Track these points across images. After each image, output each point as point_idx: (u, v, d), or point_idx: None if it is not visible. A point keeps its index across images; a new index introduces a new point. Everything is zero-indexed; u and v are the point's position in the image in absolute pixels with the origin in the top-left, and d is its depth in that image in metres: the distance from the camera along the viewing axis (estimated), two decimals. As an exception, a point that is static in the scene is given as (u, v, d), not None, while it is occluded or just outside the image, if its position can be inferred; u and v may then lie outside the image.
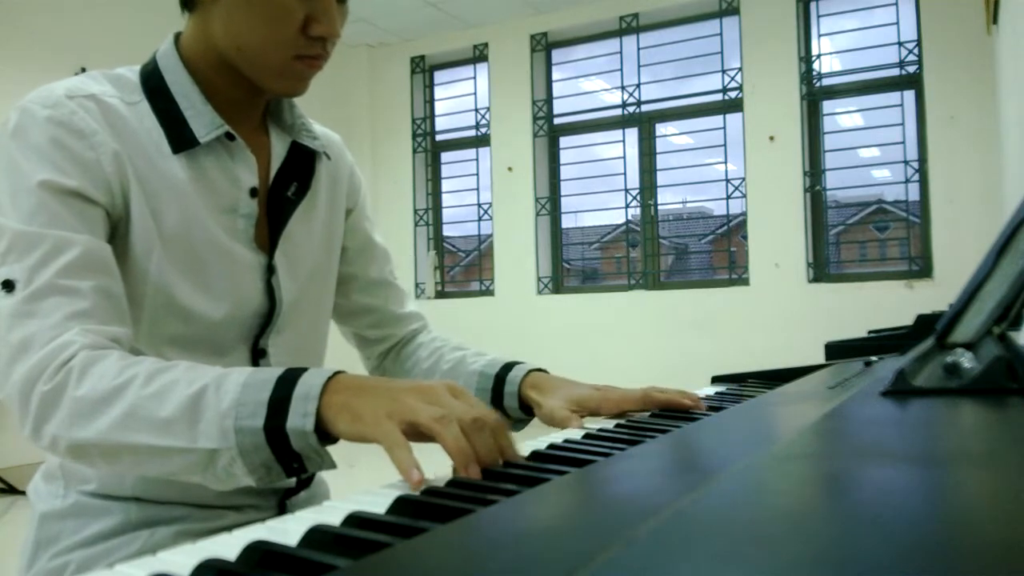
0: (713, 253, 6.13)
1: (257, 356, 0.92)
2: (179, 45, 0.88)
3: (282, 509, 0.94)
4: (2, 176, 0.77)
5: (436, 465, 0.62)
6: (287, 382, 0.65)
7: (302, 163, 0.96)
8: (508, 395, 0.97)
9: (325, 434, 0.65)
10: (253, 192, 0.89)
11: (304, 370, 0.67)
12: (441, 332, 1.14)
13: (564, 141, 5.81)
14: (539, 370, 0.99)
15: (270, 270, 0.91)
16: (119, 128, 0.81)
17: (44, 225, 0.74)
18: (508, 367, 0.99)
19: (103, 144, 0.79)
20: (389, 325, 1.11)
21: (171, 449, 0.66)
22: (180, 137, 0.84)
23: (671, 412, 0.88)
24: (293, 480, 0.93)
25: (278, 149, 0.94)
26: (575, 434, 0.75)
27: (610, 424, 0.83)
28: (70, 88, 0.81)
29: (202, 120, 0.85)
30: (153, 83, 0.86)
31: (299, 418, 0.63)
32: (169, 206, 0.83)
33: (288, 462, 0.65)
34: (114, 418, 0.67)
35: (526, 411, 0.97)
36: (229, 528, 0.90)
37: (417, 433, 0.62)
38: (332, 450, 0.66)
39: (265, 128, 0.94)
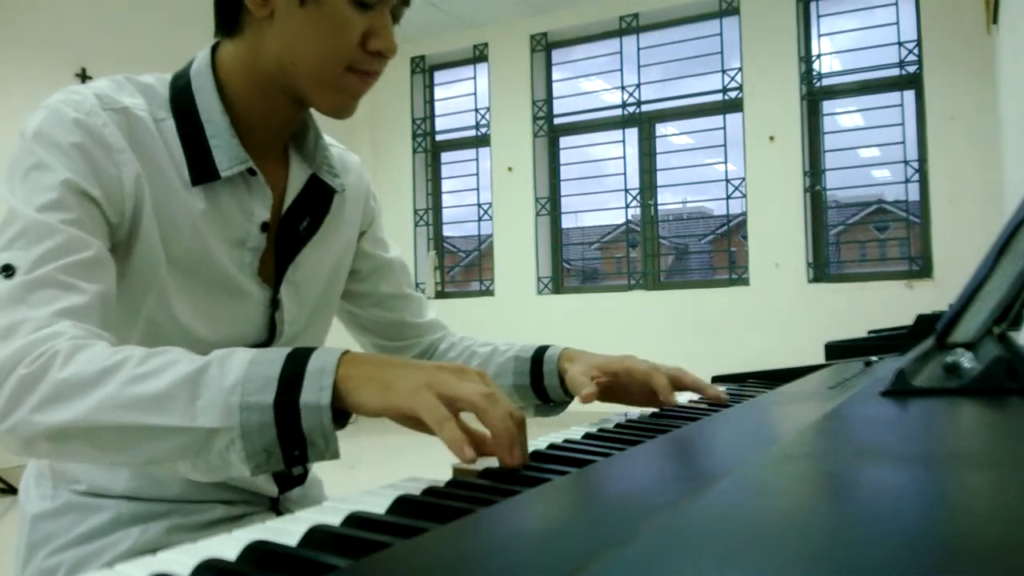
0: (713, 253, 6.13)
1: None
2: (216, 63, 0.85)
3: (274, 504, 0.94)
4: (26, 173, 0.74)
5: (436, 464, 0.62)
6: (298, 359, 0.62)
7: (318, 198, 0.93)
8: (548, 374, 0.98)
9: (339, 413, 0.61)
10: (264, 227, 0.87)
11: (314, 348, 0.63)
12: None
13: (564, 141, 5.81)
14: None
15: (275, 304, 0.90)
16: (145, 148, 0.80)
17: (62, 220, 0.72)
18: (543, 348, 1.01)
19: (127, 163, 0.77)
20: (409, 335, 1.10)
21: (163, 428, 0.60)
22: (202, 168, 0.82)
23: (672, 411, 0.88)
24: (284, 472, 0.91)
25: (296, 180, 0.91)
26: (575, 434, 0.75)
27: (610, 424, 0.83)
28: (102, 97, 0.79)
29: (227, 153, 0.83)
30: (182, 103, 0.83)
31: (314, 392, 0.59)
32: (180, 235, 0.81)
33: (290, 448, 0.61)
34: (99, 398, 0.61)
35: (566, 391, 0.98)
36: (221, 521, 0.90)
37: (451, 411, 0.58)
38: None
39: (286, 156, 0.92)
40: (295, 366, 0.61)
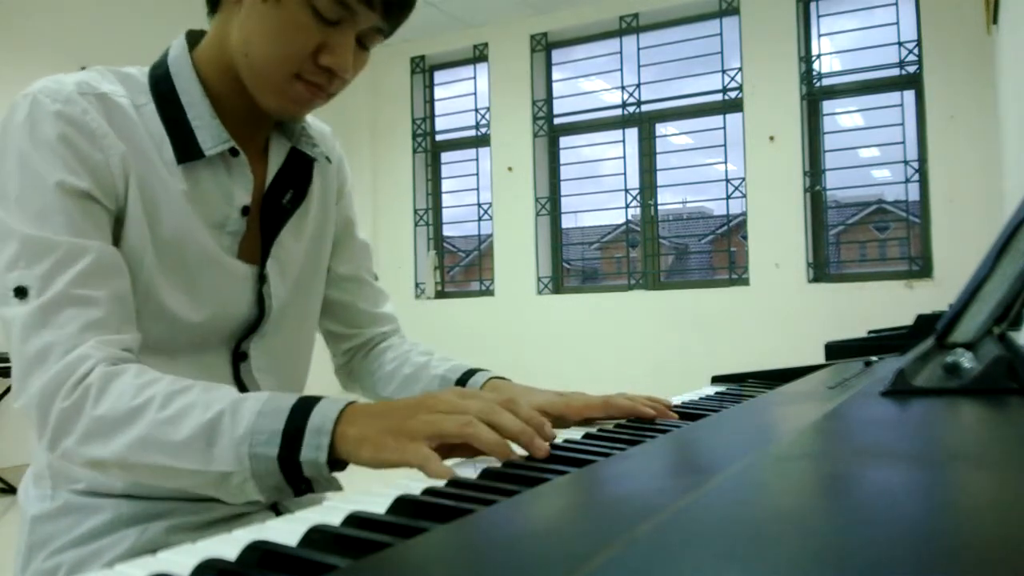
0: (713, 253, 6.13)
1: (238, 359, 0.91)
2: (193, 48, 0.87)
3: (274, 504, 0.94)
4: (11, 169, 0.75)
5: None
6: (301, 412, 0.67)
7: (299, 170, 0.95)
8: None
9: (336, 462, 0.67)
10: (245, 211, 0.88)
11: (317, 400, 0.68)
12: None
13: (564, 141, 5.81)
14: (501, 378, 0.97)
15: (261, 279, 0.91)
16: (126, 131, 0.80)
17: (56, 230, 0.73)
18: (470, 373, 0.98)
19: (112, 147, 0.78)
20: (357, 323, 1.08)
21: (186, 470, 0.68)
22: (185, 147, 0.83)
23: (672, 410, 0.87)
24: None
25: (276, 156, 0.93)
26: (575, 434, 0.75)
27: (610, 424, 0.83)
28: (81, 84, 0.79)
29: (209, 133, 0.84)
30: (162, 87, 0.84)
31: (312, 450, 0.65)
32: (165, 215, 0.82)
33: (297, 484, 0.68)
34: (131, 439, 0.68)
35: None
36: (221, 521, 0.90)
37: (445, 448, 0.63)
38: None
39: (267, 139, 0.93)
40: (298, 421, 0.67)
